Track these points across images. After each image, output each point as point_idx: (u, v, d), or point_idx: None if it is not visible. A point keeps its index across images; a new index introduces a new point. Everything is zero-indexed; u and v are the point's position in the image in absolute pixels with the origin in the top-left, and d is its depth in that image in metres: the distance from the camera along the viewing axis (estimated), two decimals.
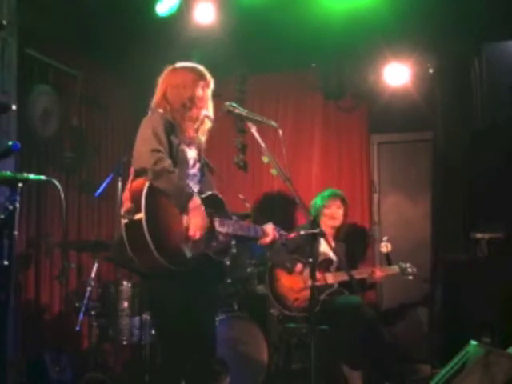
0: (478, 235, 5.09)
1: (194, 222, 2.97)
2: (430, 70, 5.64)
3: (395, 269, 4.81)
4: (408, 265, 4.82)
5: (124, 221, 2.88)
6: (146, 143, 2.99)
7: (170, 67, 3.33)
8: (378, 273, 4.76)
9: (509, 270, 4.79)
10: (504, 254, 4.95)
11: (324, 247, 4.77)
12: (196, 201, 3.00)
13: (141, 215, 2.79)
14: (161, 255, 2.81)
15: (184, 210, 2.95)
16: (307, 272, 4.58)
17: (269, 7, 4.86)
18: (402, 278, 4.85)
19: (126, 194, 2.98)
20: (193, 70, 3.30)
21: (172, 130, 3.15)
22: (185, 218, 2.98)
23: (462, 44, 5.36)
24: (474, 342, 3.40)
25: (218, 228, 3.11)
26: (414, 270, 4.81)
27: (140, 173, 2.95)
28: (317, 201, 5.03)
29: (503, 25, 5.07)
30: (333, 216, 4.96)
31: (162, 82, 3.30)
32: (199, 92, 3.24)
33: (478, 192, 5.31)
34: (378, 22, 4.92)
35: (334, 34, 5.14)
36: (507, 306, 4.76)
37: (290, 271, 4.68)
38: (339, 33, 5.10)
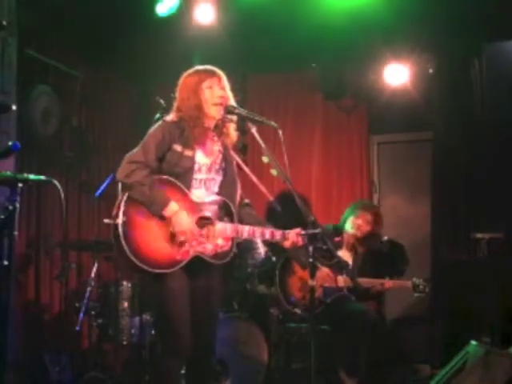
0: (478, 235, 5.09)
1: (176, 227, 2.99)
2: (430, 70, 5.63)
3: (407, 283, 4.65)
4: (421, 281, 4.63)
5: (112, 225, 3.01)
6: (131, 154, 3.07)
7: (184, 74, 3.27)
8: (389, 284, 4.65)
9: (509, 270, 4.79)
10: (504, 254, 4.96)
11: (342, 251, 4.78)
12: (172, 207, 3.00)
13: (118, 220, 2.97)
14: (134, 257, 2.94)
15: (160, 217, 3.00)
16: (323, 271, 4.58)
17: (268, 7, 4.86)
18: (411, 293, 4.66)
19: (117, 200, 3.07)
20: (195, 73, 3.23)
21: (178, 136, 3.12)
22: (170, 224, 3.01)
23: (461, 44, 5.36)
24: (474, 342, 3.40)
25: (217, 231, 3.11)
26: (427, 289, 4.62)
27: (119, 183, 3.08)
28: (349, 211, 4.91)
29: (503, 25, 5.07)
30: (357, 226, 4.81)
31: (177, 91, 3.26)
32: (205, 95, 3.16)
33: (478, 192, 5.31)
34: (378, 22, 4.93)
35: (334, 34, 5.15)
36: (507, 306, 4.77)
37: (305, 267, 4.60)
38: (339, 32, 5.11)
